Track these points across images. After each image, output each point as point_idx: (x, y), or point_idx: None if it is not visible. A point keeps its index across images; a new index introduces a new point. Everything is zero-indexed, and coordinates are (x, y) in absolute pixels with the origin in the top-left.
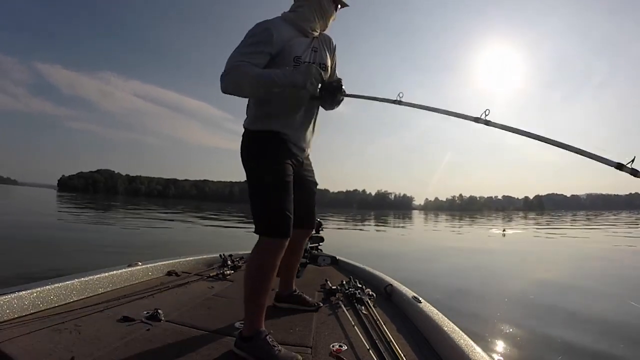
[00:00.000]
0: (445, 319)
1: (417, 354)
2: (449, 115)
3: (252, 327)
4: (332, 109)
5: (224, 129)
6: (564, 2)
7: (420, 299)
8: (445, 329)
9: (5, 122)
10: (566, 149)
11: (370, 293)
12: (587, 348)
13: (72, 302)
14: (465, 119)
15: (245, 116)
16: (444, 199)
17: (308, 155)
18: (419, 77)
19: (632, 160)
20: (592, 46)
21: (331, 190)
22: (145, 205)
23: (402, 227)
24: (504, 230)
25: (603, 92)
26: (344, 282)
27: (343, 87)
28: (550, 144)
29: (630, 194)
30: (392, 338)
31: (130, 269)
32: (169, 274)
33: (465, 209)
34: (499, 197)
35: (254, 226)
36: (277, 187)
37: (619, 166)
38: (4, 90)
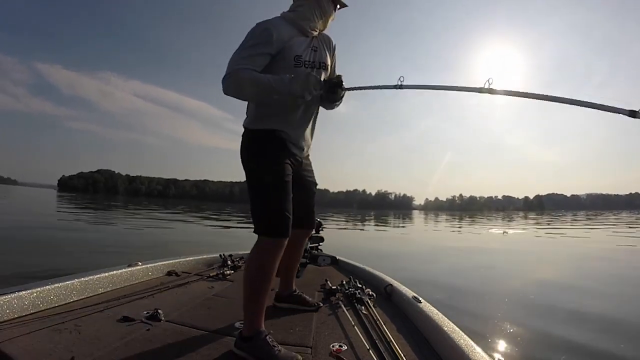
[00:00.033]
0: (445, 319)
1: (417, 354)
2: (452, 90)
3: (252, 327)
4: (332, 109)
5: (224, 129)
6: (566, 1)
7: (420, 299)
8: (445, 329)
9: (5, 122)
10: (574, 104)
11: (370, 293)
12: (587, 348)
13: (72, 302)
14: (469, 91)
15: (245, 116)
16: (444, 199)
17: (308, 155)
18: (419, 77)
19: None
20: (593, 46)
21: (331, 190)
22: (146, 206)
23: (402, 227)
24: (504, 233)
25: (603, 92)
26: (344, 282)
27: (343, 82)
28: (557, 101)
29: (630, 193)
30: (392, 338)
31: (130, 269)
32: (169, 274)
33: (466, 209)
34: (499, 197)
35: (253, 226)
36: (277, 188)
37: (632, 113)
38: (4, 90)
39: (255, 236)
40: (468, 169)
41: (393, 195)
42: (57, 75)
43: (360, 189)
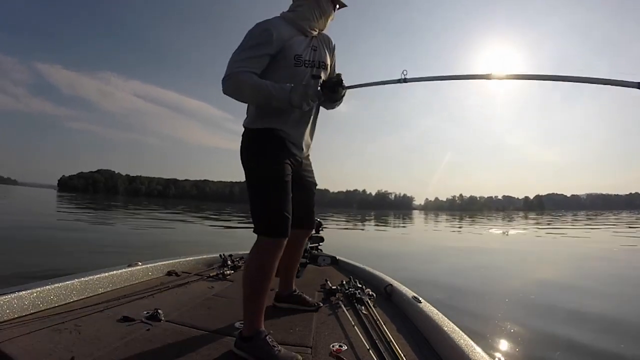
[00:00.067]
0: (445, 319)
1: (417, 354)
2: (458, 79)
3: (251, 327)
4: (333, 108)
5: (224, 129)
6: (565, 2)
7: (420, 299)
8: (445, 329)
9: (5, 122)
10: (579, 82)
11: (370, 293)
12: (587, 348)
13: (72, 302)
14: (475, 78)
15: (246, 116)
16: (444, 199)
17: (308, 155)
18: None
19: None
20: (593, 46)
21: (331, 190)
22: (146, 206)
23: (403, 227)
24: (504, 233)
25: (603, 92)
26: (344, 282)
27: (343, 81)
28: (565, 80)
29: (630, 193)
30: (392, 338)
31: (130, 269)
32: (169, 274)
33: (466, 209)
34: (499, 197)
35: (253, 226)
36: (277, 188)
37: None
38: (4, 90)
39: (255, 236)
40: (468, 169)
41: (393, 195)
42: (57, 75)
43: (360, 189)
